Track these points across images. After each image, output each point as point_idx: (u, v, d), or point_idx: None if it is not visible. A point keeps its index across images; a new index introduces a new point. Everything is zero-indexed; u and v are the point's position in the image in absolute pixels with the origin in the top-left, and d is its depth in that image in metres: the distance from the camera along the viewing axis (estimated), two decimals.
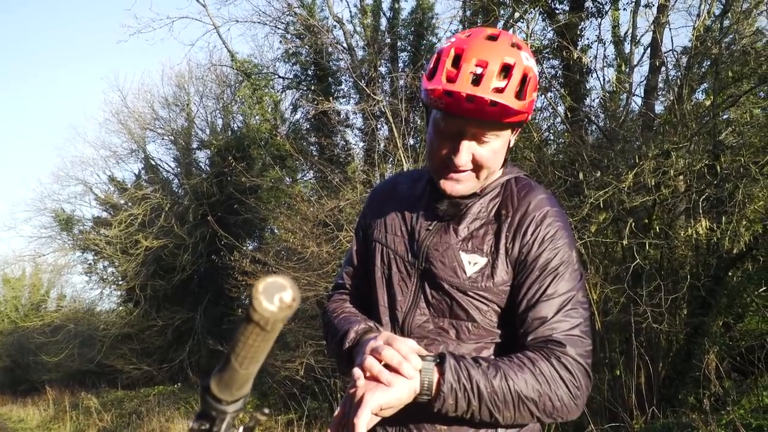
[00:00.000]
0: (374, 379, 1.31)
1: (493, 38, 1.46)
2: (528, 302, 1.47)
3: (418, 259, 1.58)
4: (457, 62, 1.43)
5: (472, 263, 1.52)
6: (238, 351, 0.93)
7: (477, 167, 1.51)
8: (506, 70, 1.42)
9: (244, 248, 10.82)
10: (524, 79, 1.44)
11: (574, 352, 1.40)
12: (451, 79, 1.41)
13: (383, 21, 14.88)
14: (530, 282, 1.48)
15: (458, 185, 1.53)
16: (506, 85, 1.41)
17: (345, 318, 1.66)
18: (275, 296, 0.87)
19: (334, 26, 14.77)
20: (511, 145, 1.60)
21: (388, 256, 1.65)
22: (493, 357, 1.47)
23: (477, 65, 1.41)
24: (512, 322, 1.51)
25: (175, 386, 15.27)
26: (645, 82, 8.89)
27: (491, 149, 1.50)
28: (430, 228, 1.60)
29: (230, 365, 0.96)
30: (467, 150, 1.48)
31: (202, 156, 19.26)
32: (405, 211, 1.67)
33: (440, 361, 1.34)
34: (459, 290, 1.52)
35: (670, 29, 8.47)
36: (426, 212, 1.63)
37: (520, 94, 1.43)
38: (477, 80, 1.40)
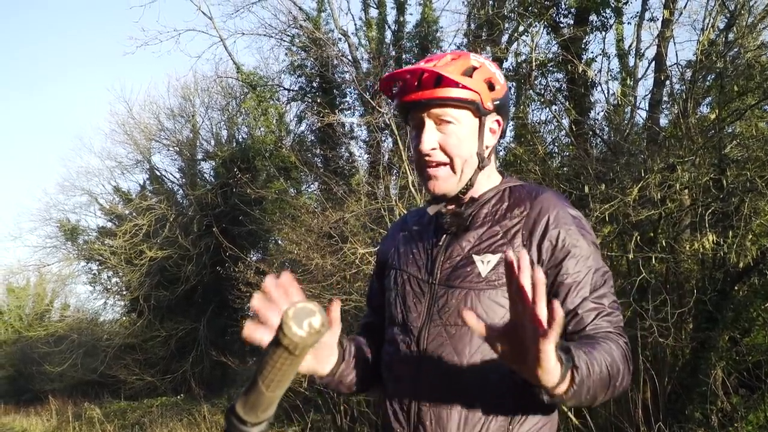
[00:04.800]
0: None
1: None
2: (573, 296, 1.49)
3: (432, 275, 1.61)
4: None
5: (485, 262, 1.55)
6: (266, 374, 0.93)
7: (448, 157, 1.59)
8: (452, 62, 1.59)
9: (249, 259, 10.79)
10: (472, 68, 1.57)
11: (623, 340, 1.46)
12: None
13: (388, 34, 14.92)
14: (567, 277, 1.50)
15: (439, 181, 1.61)
16: (450, 65, 1.56)
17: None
18: (305, 321, 0.87)
19: (339, 39, 14.82)
20: (490, 142, 1.65)
21: (402, 277, 1.69)
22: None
23: (425, 62, 1.59)
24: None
25: (178, 397, 15.23)
26: (650, 95, 8.88)
27: (455, 135, 1.58)
28: (441, 243, 1.64)
29: (257, 387, 0.96)
30: (430, 135, 1.58)
31: (206, 167, 19.31)
32: (415, 236, 1.73)
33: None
34: (478, 291, 1.53)
35: (674, 43, 8.53)
36: (435, 232, 1.68)
37: (467, 74, 1.55)
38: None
